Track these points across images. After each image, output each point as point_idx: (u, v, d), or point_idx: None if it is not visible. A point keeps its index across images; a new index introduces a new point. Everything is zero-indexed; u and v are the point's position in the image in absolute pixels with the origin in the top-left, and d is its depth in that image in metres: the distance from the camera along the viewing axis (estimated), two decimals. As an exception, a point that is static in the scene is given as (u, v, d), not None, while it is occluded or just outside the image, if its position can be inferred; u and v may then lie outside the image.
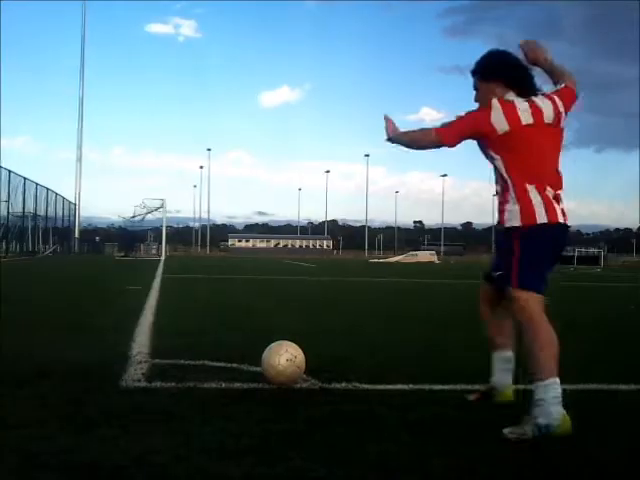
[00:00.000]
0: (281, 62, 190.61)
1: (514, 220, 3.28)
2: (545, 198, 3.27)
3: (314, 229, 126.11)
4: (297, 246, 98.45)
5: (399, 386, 3.92)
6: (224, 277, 18.24)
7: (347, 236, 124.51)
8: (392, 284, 17.17)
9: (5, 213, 34.94)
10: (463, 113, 3.43)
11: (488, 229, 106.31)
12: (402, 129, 3.53)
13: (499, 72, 3.50)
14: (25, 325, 6.34)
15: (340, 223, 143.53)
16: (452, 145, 3.43)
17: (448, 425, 3.12)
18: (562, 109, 3.45)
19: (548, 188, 3.30)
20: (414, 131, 3.52)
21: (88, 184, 66.86)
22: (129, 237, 54.39)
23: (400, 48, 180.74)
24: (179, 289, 12.96)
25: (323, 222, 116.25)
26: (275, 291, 13.09)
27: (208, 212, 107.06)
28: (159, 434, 2.86)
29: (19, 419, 3.03)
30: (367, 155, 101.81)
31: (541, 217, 3.24)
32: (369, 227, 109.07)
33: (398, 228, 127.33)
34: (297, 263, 35.84)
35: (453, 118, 3.44)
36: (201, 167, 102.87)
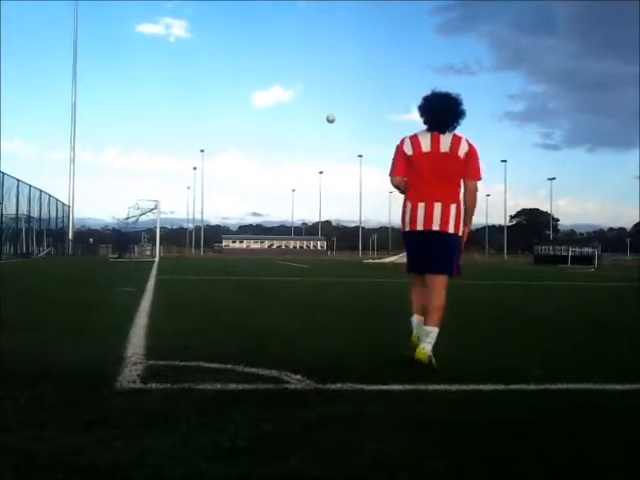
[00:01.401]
0: (273, 62, 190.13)
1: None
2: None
3: (308, 230, 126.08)
4: (291, 247, 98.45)
5: (395, 386, 3.92)
6: (218, 278, 18.23)
7: (341, 237, 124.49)
8: (386, 284, 17.18)
9: (-2, 215, 34.87)
10: None
11: (482, 229, 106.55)
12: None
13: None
14: (21, 327, 6.32)
15: (334, 224, 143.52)
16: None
17: (445, 425, 3.12)
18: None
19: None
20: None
21: (82, 186, 66.83)
22: (123, 239, 54.16)
23: (392, 47, 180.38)
24: (173, 290, 12.95)
25: (317, 223, 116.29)
26: (269, 292, 13.09)
27: (202, 213, 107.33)
28: (155, 435, 2.86)
29: (17, 421, 3.03)
30: (360, 156, 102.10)
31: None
32: (363, 228, 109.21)
33: (392, 229, 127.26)
34: (291, 264, 35.84)
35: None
36: (194, 168, 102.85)
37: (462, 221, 4.74)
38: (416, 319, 4.87)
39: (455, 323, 7.19)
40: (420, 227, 4.69)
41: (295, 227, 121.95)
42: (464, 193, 4.78)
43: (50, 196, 48.61)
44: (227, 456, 2.60)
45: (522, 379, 4.15)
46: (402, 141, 4.83)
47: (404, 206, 4.82)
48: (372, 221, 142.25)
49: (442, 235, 4.66)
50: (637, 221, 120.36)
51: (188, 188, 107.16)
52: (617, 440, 2.99)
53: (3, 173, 34.73)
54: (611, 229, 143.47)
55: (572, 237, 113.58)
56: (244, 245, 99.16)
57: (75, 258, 45.18)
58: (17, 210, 38.16)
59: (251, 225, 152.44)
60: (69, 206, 58.22)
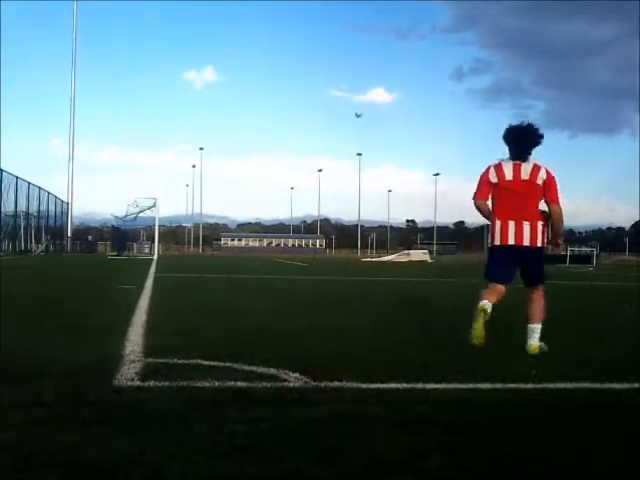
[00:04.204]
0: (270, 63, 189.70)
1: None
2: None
3: (307, 228, 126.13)
4: (290, 245, 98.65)
5: (393, 385, 3.91)
6: (217, 276, 18.22)
7: (340, 235, 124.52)
8: (386, 283, 17.17)
9: (-3, 212, 34.89)
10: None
11: (480, 228, 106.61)
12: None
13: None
14: (19, 325, 6.31)
15: (333, 222, 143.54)
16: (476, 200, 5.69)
17: (443, 424, 3.12)
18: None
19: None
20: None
21: (81, 183, 66.87)
22: (122, 236, 54.19)
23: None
24: (172, 288, 12.94)
25: (316, 221, 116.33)
26: (268, 290, 13.08)
27: (201, 211, 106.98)
28: (153, 433, 2.86)
29: (16, 419, 3.02)
30: (359, 154, 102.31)
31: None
32: (362, 226, 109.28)
33: (391, 227, 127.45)
34: (289, 262, 35.83)
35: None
36: (193, 166, 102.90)
37: (545, 235, 5.52)
38: (489, 303, 5.37)
39: (453, 320, 7.19)
40: (512, 242, 5.39)
41: (294, 225, 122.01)
42: (550, 214, 5.52)
43: (49, 193, 48.63)
44: (225, 454, 2.60)
45: (521, 378, 4.14)
46: (487, 170, 5.57)
47: (493, 223, 5.53)
48: (371, 219, 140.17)
49: (532, 249, 5.41)
50: (636, 220, 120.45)
51: (187, 186, 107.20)
52: (617, 440, 2.99)
53: (2, 170, 34.74)
54: (609, 228, 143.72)
55: (571, 236, 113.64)
56: (243, 243, 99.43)
57: (73, 255, 45.15)
58: (16, 207, 38.19)
59: (250, 223, 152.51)
60: (68, 203, 58.21)
